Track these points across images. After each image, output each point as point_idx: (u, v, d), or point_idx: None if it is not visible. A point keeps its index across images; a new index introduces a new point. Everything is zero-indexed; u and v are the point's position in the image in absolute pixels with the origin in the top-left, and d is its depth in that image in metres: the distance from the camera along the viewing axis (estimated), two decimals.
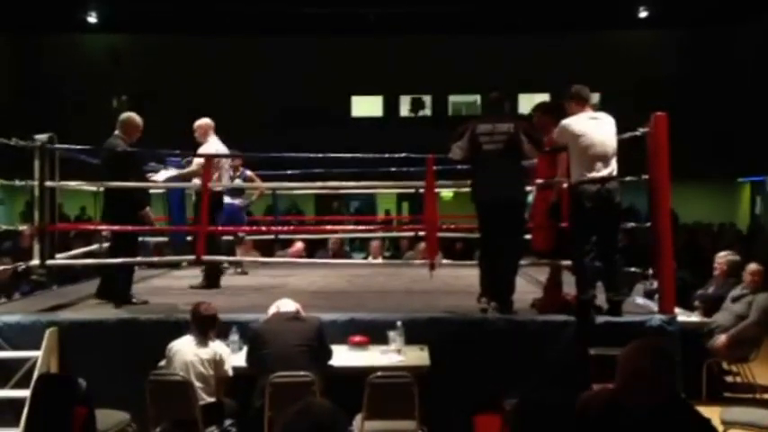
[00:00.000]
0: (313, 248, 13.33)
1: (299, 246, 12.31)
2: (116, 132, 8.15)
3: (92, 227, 8.22)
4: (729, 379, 9.29)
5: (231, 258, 10.75)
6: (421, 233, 9.54)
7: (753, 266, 9.12)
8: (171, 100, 22.82)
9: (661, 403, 3.48)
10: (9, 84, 23.63)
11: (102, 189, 8.62)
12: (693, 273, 10.84)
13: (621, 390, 3.59)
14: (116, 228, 8.09)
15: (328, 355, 6.50)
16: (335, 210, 24.30)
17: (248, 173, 11.05)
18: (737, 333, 8.71)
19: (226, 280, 10.08)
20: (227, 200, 10.60)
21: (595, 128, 7.10)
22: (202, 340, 6.32)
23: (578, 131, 7.08)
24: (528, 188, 8.12)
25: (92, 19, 22.71)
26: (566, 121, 7.21)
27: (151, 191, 9.75)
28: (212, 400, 6.21)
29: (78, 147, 8.16)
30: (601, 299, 7.37)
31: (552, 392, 5.70)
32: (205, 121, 9.73)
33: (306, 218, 20.79)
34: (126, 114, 8.29)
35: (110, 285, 8.10)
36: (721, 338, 8.75)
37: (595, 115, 7.25)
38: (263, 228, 13.22)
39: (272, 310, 6.66)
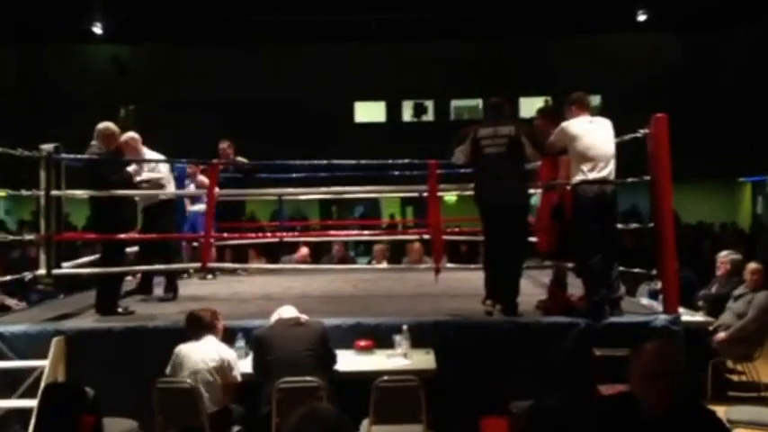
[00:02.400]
0: (318, 254, 13.35)
1: (303, 251, 12.32)
2: (93, 142, 8.16)
3: (98, 236, 8.21)
4: (734, 378, 9.31)
5: (238, 265, 10.79)
6: (426, 236, 9.58)
7: (752, 266, 9.17)
8: (177, 108, 22.88)
9: (677, 404, 3.49)
10: (16, 94, 23.66)
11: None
12: (697, 273, 10.87)
13: (639, 391, 3.60)
14: (138, 236, 8.17)
15: (333, 360, 6.52)
16: (335, 215, 24.32)
17: (200, 177, 10.82)
18: (737, 331, 8.75)
19: (231, 286, 10.11)
20: (189, 207, 10.65)
21: (593, 130, 7.20)
22: (203, 342, 6.33)
23: (576, 133, 7.17)
24: (532, 190, 8.17)
25: (97, 29, 22.74)
26: (564, 124, 7.30)
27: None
28: (220, 407, 6.22)
29: (85, 156, 8.18)
30: None
31: (563, 397, 5.72)
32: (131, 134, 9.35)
33: (310, 223, 20.81)
34: (103, 124, 8.29)
35: (106, 299, 8.12)
36: (721, 334, 8.80)
37: (593, 119, 7.36)
38: (269, 233, 13.22)
39: (274, 317, 6.67)
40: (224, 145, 11.24)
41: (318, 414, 2.97)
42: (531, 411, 5.65)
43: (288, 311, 6.67)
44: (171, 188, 9.28)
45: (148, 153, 9.03)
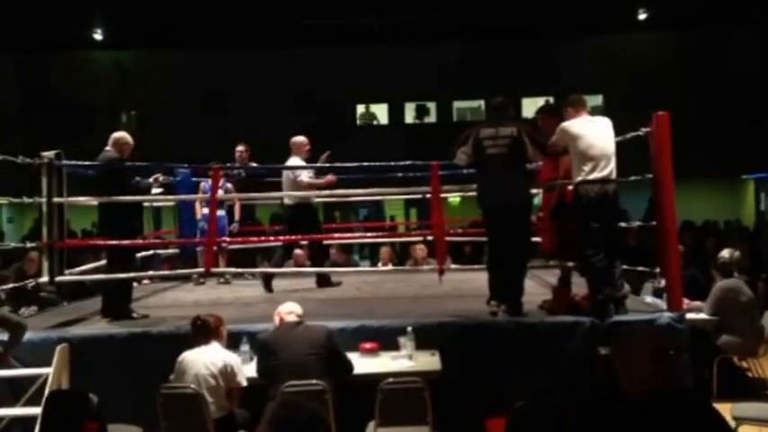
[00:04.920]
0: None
1: (298, 252, 12.32)
2: (107, 148, 8.16)
3: (101, 242, 8.22)
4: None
5: (240, 270, 10.78)
6: (429, 238, 9.58)
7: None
8: (179, 112, 22.85)
9: (663, 392, 3.45)
10: (17, 101, 23.69)
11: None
12: (702, 271, 10.85)
13: (624, 381, 3.55)
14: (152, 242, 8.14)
15: (345, 366, 6.47)
16: (338, 218, 24.30)
17: (229, 185, 10.94)
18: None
19: (234, 291, 10.11)
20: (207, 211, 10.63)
21: (593, 130, 7.22)
22: (206, 348, 6.32)
23: (577, 133, 7.18)
24: (534, 191, 8.17)
25: (98, 36, 22.75)
26: (565, 124, 7.31)
27: (162, 203, 9.82)
28: (224, 412, 6.21)
29: (87, 163, 8.19)
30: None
31: (567, 397, 5.70)
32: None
33: None
34: (118, 133, 8.28)
35: (112, 303, 8.11)
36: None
37: (592, 119, 7.38)
38: (272, 237, 13.22)
39: (276, 315, 6.65)
40: (241, 149, 11.28)
41: (295, 404, 2.97)
42: (520, 412, 5.61)
43: (287, 308, 6.64)
44: None
45: None
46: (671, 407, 3.39)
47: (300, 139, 10.36)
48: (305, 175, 9.87)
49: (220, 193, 10.53)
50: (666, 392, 3.42)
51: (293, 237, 9.83)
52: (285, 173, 10.06)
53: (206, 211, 10.42)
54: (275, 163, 11.01)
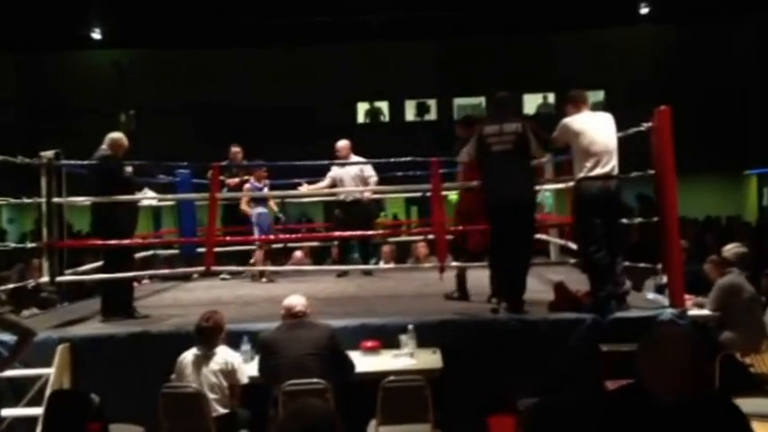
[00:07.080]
0: (322, 256, 13.32)
1: (297, 254, 12.29)
2: (102, 147, 8.13)
3: (100, 242, 8.20)
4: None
5: (235, 268, 10.78)
6: (430, 236, 9.56)
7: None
8: (179, 113, 22.83)
9: (692, 395, 3.39)
10: (15, 102, 23.68)
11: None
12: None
13: (654, 383, 3.43)
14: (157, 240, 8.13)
15: (348, 365, 6.43)
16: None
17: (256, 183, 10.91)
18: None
19: (239, 289, 10.10)
20: (258, 209, 10.58)
21: (595, 125, 7.20)
22: (208, 350, 6.31)
23: (579, 129, 7.17)
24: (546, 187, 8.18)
25: (96, 35, 22.77)
26: (566, 120, 7.30)
27: (163, 203, 9.81)
28: (226, 411, 6.20)
29: (85, 162, 8.17)
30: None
31: (567, 395, 5.69)
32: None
33: (316, 225, 20.75)
34: (114, 133, 8.26)
35: (111, 302, 8.09)
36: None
37: (594, 114, 7.37)
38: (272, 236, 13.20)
39: (282, 310, 6.62)
40: (235, 150, 11.27)
41: (308, 410, 2.93)
42: (535, 409, 5.61)
43: (290, 301, 6.60)
44: None
45: None
46: (699, 410, 3.32)
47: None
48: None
49: (265, 190, 10.54)
50: (696, 396, 3.34)
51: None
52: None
53: (257, 210, 10.42)
54: (275, 161, 11.01)
